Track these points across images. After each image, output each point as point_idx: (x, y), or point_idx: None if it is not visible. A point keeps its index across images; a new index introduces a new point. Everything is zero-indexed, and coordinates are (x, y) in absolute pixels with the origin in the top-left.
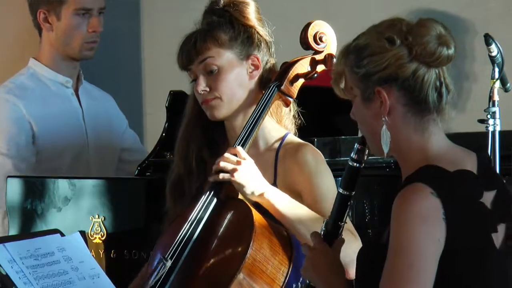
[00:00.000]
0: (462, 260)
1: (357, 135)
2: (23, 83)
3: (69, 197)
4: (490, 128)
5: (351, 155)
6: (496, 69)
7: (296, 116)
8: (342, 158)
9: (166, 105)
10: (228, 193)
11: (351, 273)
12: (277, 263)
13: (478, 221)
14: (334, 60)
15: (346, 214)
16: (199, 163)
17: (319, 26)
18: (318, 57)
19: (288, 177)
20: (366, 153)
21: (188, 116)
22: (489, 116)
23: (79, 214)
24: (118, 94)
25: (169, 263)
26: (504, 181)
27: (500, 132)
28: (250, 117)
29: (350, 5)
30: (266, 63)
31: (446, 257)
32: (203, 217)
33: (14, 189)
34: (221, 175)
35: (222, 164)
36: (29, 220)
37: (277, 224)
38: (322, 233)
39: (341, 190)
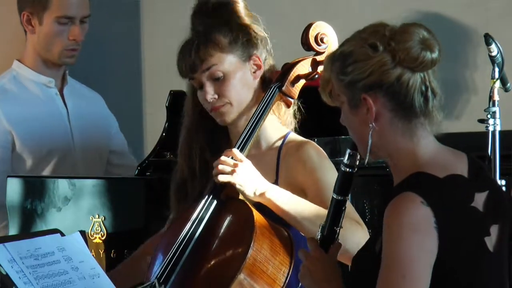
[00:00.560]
0: (455, 267)
1: None
2: (3, 87)
3: (69, 197)
4: (490, 128)
5: (344, 160)
6: (496, 69)
7: (297, 114)
8: (342, 158)
9: (166, 105)
10: (229, 193)
11: None
12: (278, 263)
13: (470, 226)
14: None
15: (341, 219)
16: (202, 165)
17: (320, 27)
18: (319, 58)
19: (291, 174)
20: (358, 158)
21: (190, 119)
22: (489, 116)
23: (79, 214)
24: (118, 94)
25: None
26: (505, 181)
27: (500, 132)
28: (251, 118)
29: (350, 5)
30: (265, 60)
31: (439, 265)
32: (204, 218)
33: (14, 189)
34: (220, 178)
35: (221, 167)
36: (29, 220)
37: (278, 224)
38: (318, 238)
39: (335, 195)
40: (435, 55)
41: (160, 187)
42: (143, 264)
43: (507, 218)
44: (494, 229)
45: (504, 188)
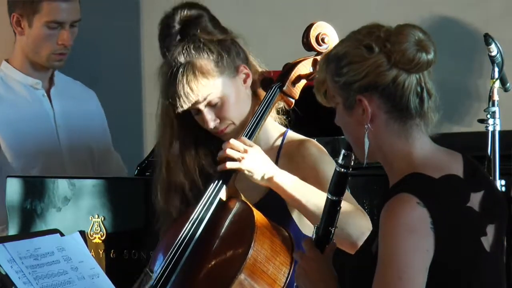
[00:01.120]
0: (452, 268)
1: None
2: None
3: (69, 197)
4: (490, 128)
5: (338, 161)
6: (496, 69)
7: (284, 110)
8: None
9: None
10: (230, 193)
11: (359, 244)
12: (279, 263)
13: (466, 227)
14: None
15: (336, 219)
16: (201, 174)
17: (321, 27)
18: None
19: (292, 171)
20: (353, 158)
21: (177, 140)
22: (489, 116)
23: (79, 214)
24: (118, 94)
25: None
26: (504, 181)
27: (500, 132)
28: (251, 120)
29: (350, 5)
30: (248, 62)
31: (435, 266)
32: (204, 217)
33: (14, 189)
34: (228, 164)
35: (229, 151)
36: (29, 220)
37: (279, 225)
38: (313, 238)
39: (329, 196)
40: (430, 56)
41: None
42: None
43: (503, 217)
44: (490, 229)
45: (503, 188)
